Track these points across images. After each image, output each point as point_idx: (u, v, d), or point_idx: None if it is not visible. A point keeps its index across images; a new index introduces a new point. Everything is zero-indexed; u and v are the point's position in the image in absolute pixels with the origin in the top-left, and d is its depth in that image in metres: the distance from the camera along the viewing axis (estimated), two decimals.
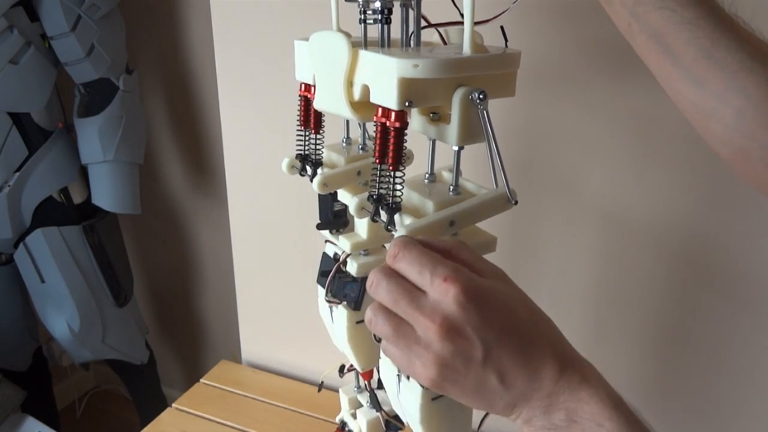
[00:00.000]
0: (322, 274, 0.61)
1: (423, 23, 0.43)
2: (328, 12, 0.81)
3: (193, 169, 1.56)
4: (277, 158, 0.92)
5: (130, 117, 1.21)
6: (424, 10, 0.43)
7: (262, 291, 1.05)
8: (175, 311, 1.78)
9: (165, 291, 1.77)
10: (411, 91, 0.37)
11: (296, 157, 0.53)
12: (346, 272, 0.59)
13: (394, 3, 0.41)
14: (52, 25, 1.11)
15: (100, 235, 1.25)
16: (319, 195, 0.57)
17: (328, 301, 0.61)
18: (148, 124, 1.39)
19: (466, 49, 0.38)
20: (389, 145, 0.39)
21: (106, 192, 1.22)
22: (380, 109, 0.39)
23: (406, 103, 0.37)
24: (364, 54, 0.39)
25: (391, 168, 0.40)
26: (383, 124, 0.39)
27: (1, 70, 1.07)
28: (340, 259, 0.59)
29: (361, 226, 0.57)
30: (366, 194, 0.43)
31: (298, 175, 0.55)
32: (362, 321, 0.61)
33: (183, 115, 1.49)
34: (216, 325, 1.72)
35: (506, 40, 0.42)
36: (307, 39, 0.44)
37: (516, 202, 0.42)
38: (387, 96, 0.37)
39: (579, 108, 0.69)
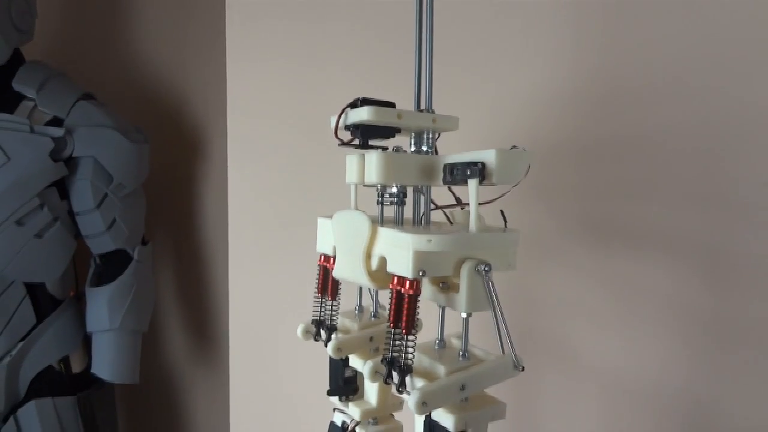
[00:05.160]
0: None
1: (432, 206, 0.49)
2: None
3: (195, 338, 1.56)
4: (284, 327, 0.95)
5: (141, 286, 1.25)
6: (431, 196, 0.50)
7: None
8: None
9: None
10: (424, 262, 0.41)
11: (312, 323, 0.56)
12: None
13: (407, 189, 0.48)
14: (79, 202, 1.18)
15: (94, 408, 1.21)
16: (331, 361, 0.59)
17: None
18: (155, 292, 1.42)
19: (472, 227, 0.43)
20: (403, 310, 0.43)
21: (107, 361, 1.20)
22: (396, 278, 0.43)
23: (420, 273, 0.41)
24: (382, 230, 0.44)
25: (404, 332, 0.43)
26: (398, 291, 0.43)
27: (27, 244, 1.11)
28: (349, 428, 0.59)
29: (372, 393, 0.58)
30: (379, 358, 0.46)
31: (312, 339, 0.57)
32: None
33: (190, 287, 1.54)
34: None
35: (505, 222, 0.48)
36: (329, 217, 0.50)
37: (522, 368, 0.45)
38: (403, 266, 0.42)
39: (567, 275, 0.73)
